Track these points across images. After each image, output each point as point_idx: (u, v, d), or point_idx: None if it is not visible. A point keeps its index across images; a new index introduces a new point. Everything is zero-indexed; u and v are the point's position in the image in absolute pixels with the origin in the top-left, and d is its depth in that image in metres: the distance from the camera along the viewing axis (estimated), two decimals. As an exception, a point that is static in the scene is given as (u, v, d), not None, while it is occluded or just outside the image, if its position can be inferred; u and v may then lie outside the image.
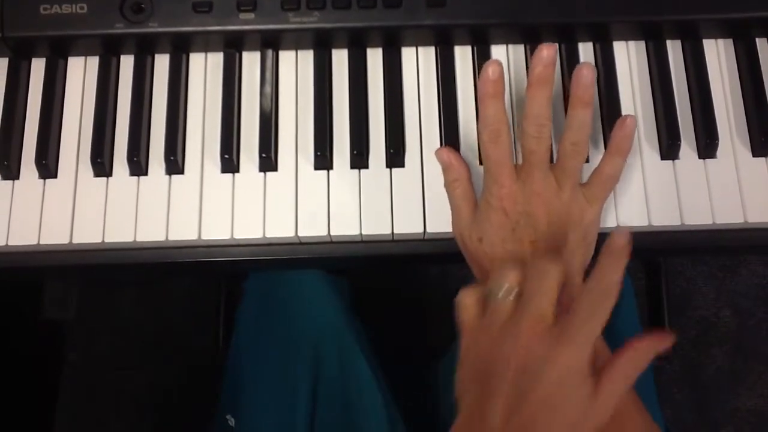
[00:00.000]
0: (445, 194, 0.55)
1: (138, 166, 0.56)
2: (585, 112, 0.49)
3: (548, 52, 0.48)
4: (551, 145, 0.50)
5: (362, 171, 0.56)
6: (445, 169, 0.53)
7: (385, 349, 0.75)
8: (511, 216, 0.49)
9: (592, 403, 0.41)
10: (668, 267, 1.21)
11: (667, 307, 1.19)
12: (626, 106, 0.57)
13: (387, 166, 0.56)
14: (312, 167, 0.56)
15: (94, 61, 0.59)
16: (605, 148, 0.56)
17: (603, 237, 0.52)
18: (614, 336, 0.62)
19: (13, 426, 1.04)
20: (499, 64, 0.50)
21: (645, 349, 0.42)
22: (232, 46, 0.58)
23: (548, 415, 0.41)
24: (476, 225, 0.50)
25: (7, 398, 1.04)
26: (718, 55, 0.59)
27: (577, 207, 0.50)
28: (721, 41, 0.59)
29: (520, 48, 0.59)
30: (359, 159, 0.56)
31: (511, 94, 0.58)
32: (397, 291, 1.15)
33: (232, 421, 0.71)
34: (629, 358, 0.42)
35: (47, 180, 0.56)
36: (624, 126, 0.50)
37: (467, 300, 0.46)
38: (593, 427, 0.42)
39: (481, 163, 0.56)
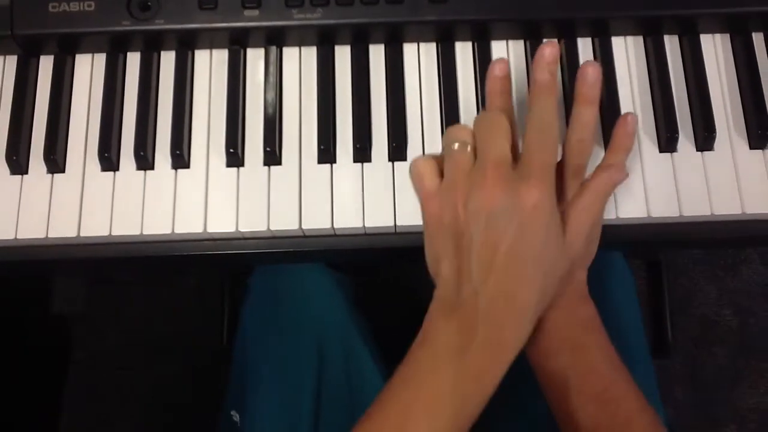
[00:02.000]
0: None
1: (145, 161, 0.57)
2: (590, 110, 0.49)
3: (550, 51, 0.48)
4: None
5: (365, 164, 0.57)
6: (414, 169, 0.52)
7: (387, 345, 0.76)
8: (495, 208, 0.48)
9: (563, 236, 0.43)
10: (670, 265, 1.22)
11: (668, 305, 1.19)
12: (625, 101, 0.58)
13: (389, 160, 0.57)
14: (316, 161, 0.57)
15: (101, 58, 0.60)
16: (604, 142, 0.57)
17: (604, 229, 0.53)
18: (618, 335, 0.64)
19: (18, 422, 1.05)
20: (506, 62, 0.50)
21: (605, 179, 0.46)
22: (237, 43, 0.59)
23: (526, 255, 0.41)
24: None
25: (13, 393, 1.04)
26: (716, 49, 0.60)
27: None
28: (718, 36, 0.60)
29: (520, 43, 0.60)
30: (362, 153, 0.57)
31: (511, 89, 0.59)
32: (399, 288, 1.16)
33: (236, 417, 0.71)
34: (592, 188, 0.45)
35: (55, 174, 0.57)
36: (626, 123, 0.51)
37: (422, 165, 0.45)
38: (569, 261, 0.43)
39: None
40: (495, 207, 0.41)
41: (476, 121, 0.45)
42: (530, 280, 0.41)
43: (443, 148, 0.46)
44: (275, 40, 0.59)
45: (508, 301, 0.40)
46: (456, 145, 0.44)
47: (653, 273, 1.21)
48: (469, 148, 0.44)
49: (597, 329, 0.49)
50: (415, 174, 0.47)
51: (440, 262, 0.44)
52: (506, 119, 0.45)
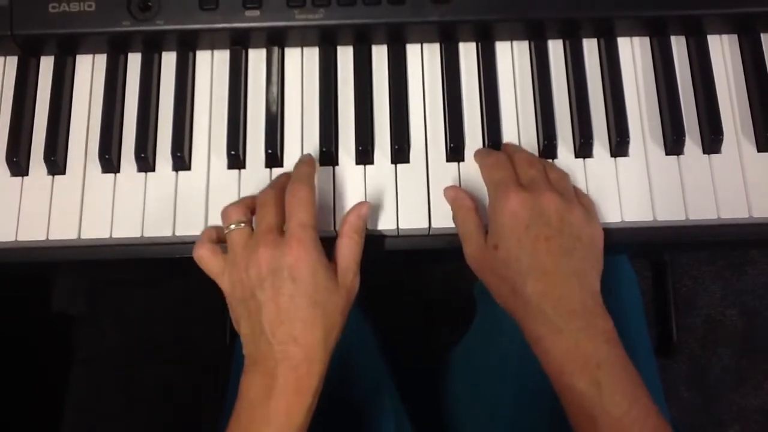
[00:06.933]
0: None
1: (145, 163, 0.56)
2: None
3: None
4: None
5: (367, 167, 0.56)
6: (453, 203, 0.54)
7: (391, 349, 0.75)
8: (523, 215, 0.49)
9: (333, 275, 0.49)
10: (675, 266, 1.21)
11: (673, 305, 1.19)
12: (630, 102, 0.58)
13: (392, 162, 0.57)
14: (317, 164, 0.56)
15: (101, 59, 0.59)
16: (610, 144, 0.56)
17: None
18: (621, 334, 0.63)
19: (20, 421, 1.05)
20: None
21: (353, 219, 0.51)
22: (239, 44, 0.59)
23: (302, 302, 0.47)
24: (490, 235, 0.51)
25: (16, 392, 1.04)
26: (723, 50, 0.59)
27: (578, 207, 0.51)
28: (725, 37, 0.59)
29: (525, 44, 0.59)
30: (364, 155, 0.56)
31: (515, 91, 0.58)
32: (404, 291, 1.15)
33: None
34: (346, 237, 0.51)
35: (56, 176, 0.57)
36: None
37: (202, 251, 0.51)
38: (345, 292, 0.50)
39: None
40: (269, 268, 0.47)
41: (257, 198, 0.52)
42: (312, 321, 0.47)
43: (223, 226, 0.52)
44: (277, 40, 0.59)
45: (297, 344, 0.47)
46: (232, 226, 0.50)
47: (658, 273, 1.20)
48: (243, 225, 0.50)
49: (618, 343, 0.49)
50: (197, 261, 0.52)
51: (240, 325, 0.50)
52: (273, 193, 0.51)
